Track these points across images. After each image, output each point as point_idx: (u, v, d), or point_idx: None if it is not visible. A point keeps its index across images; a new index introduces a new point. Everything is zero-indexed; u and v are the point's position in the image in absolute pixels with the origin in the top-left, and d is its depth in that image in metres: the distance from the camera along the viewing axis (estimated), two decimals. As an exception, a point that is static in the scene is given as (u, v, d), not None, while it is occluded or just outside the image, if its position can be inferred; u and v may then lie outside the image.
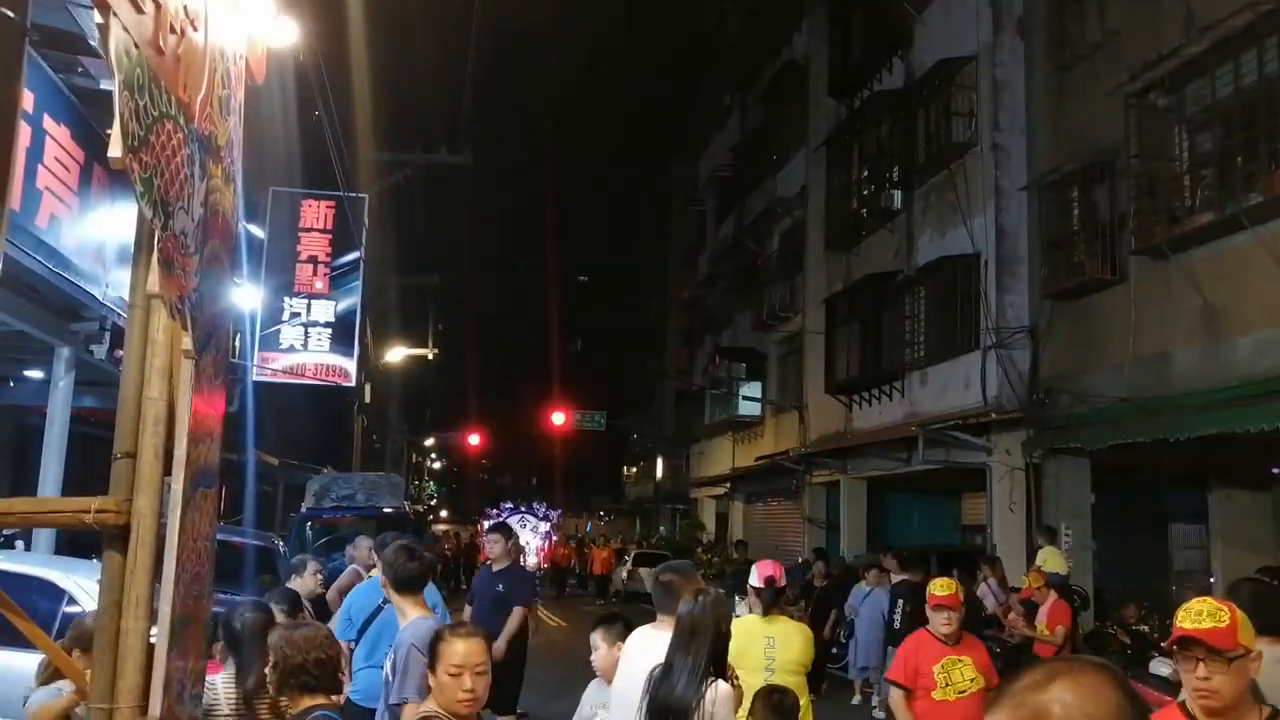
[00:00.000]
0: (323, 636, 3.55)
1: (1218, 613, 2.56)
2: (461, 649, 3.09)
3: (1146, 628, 10.52)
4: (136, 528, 2.32)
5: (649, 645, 3.87)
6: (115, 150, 1.94)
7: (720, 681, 3.53)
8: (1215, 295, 9.92)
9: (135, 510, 2.32)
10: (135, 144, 2.00)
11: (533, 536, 35.74)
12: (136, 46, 2.00)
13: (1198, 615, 2.59)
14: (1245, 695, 2.55)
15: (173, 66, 2.23)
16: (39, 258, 7.31)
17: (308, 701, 3.38)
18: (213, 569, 2.70)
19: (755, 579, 5.19)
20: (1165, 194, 10.61)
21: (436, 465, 63.66)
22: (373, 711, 5.39)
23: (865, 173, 17.55)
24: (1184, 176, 10.58)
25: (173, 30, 2.22)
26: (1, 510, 2.35)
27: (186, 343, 2.38)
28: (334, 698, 3.49)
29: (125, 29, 1.94)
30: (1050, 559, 10.96)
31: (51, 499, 5.44)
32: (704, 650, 3.56)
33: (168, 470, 2.39)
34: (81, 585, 6.25)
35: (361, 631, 6.01)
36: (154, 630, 2.36)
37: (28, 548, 8.86)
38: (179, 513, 2.37)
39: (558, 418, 37.34)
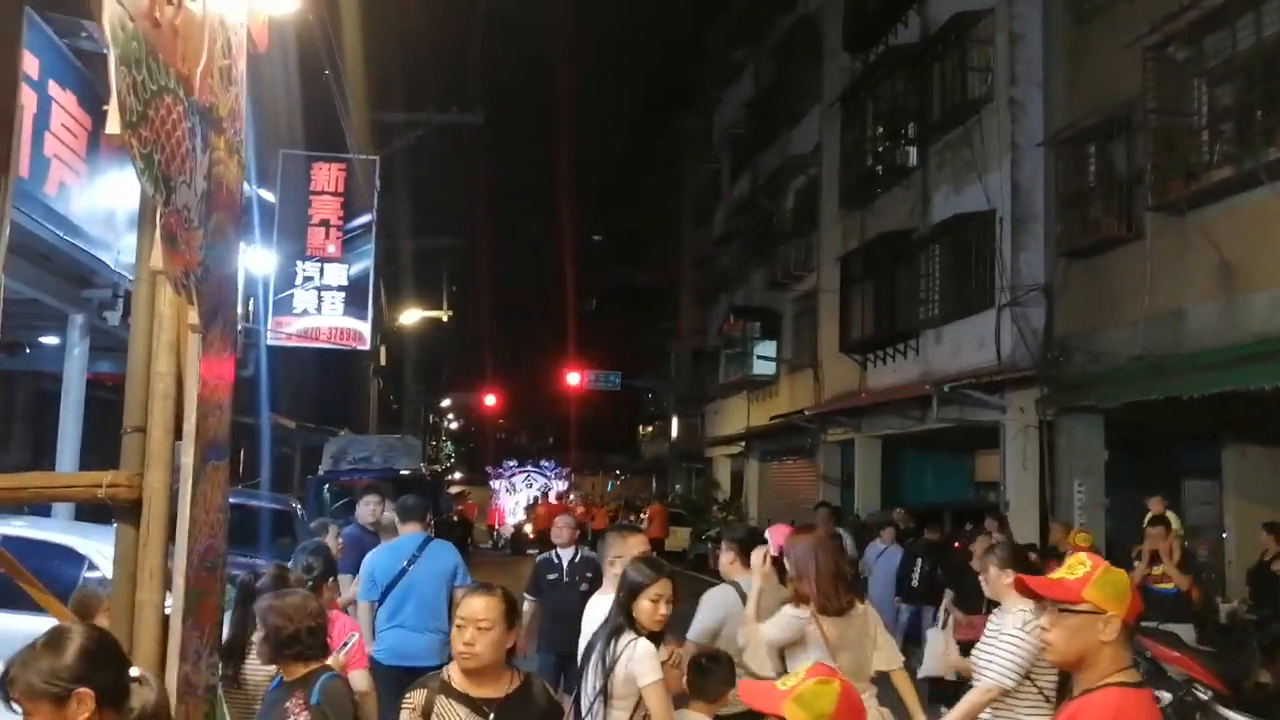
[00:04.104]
0: (312, 604, 3.56)
1: (1076, 566, 2.37)
2: (468, 604, 3.14)
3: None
4: (148, 502, 2.34)
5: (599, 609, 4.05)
6: (114, 126, 1.93)
7: (641, 639, 3.58)
8: (1231, 252, 9.80)
9: (147, 484, 2.34)
10: (134, 120, 1.99)
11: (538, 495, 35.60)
12: (132, 20, 1.98)
13: (1068, 564, 2.43)
14: (1106, 657, 2.26)
15: (170, 38, 2.21)
16: (49, 225, 7.32)
17: (303, 669, 3.40)
18: (226, 540, 2.73)
19: (774, 549, 4.83)
20: (1183, 149, 10.44)
21: (454, 426, 64.03)
22: (398, 670, 5.50)
23: (880, 129, 17.32)
24: (1202, 131, 10.41)
25: (169, 2, 2.19)
26: (15, 486, 2.38)
27: (193, 317, 2.39)
28: (326, 661, 3.52)
29: (119, 2, 1.92)
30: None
31: (63, 474, 5.51)
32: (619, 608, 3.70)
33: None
34: (101, 551, 6.33)
35: (386, 593, 6.08)
36: (168, 601, 2.39)
37: None
38: (190, 486, 2.39)
39: (573, 378, 37.36)
